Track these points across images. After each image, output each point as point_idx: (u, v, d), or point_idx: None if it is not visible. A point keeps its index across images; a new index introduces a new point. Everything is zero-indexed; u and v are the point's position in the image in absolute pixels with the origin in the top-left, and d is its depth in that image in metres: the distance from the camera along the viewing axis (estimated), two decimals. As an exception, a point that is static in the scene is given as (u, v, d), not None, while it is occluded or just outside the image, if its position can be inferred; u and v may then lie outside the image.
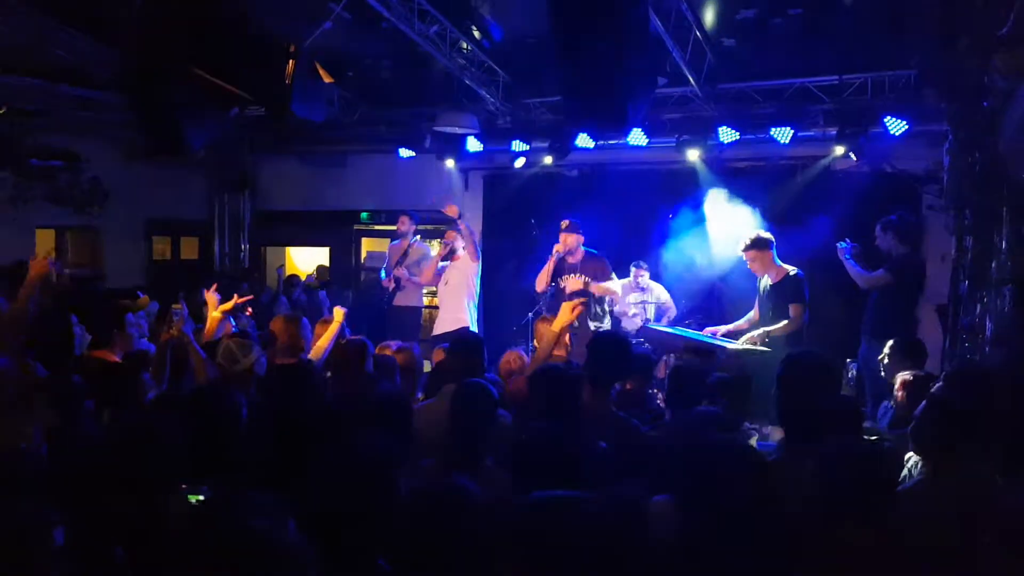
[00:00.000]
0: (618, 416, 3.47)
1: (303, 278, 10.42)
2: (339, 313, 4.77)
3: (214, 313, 4.83)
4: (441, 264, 7.38)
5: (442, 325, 7.18)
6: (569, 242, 6.67)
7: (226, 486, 2.52)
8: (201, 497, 2.48)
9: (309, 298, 9.72)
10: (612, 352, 3.59)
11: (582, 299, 5.84)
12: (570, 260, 6.77)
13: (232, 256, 11.08)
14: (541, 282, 6.79)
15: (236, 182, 10.74)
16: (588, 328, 6.69)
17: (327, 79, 5.65)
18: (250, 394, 3.65)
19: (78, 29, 7.08)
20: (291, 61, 4.92)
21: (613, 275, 6.90)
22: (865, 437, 3.21)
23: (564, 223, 6.75)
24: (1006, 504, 2.23)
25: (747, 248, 5.92)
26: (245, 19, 4.61)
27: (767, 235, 5.94)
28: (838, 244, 6.42)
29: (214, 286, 4.99)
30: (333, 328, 4.66)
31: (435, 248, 8.36)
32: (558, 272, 6.77)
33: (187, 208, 10.95)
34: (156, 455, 2.42)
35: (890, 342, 4.56)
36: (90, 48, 7.32)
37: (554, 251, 6.67)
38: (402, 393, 3.33)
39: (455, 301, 7.20)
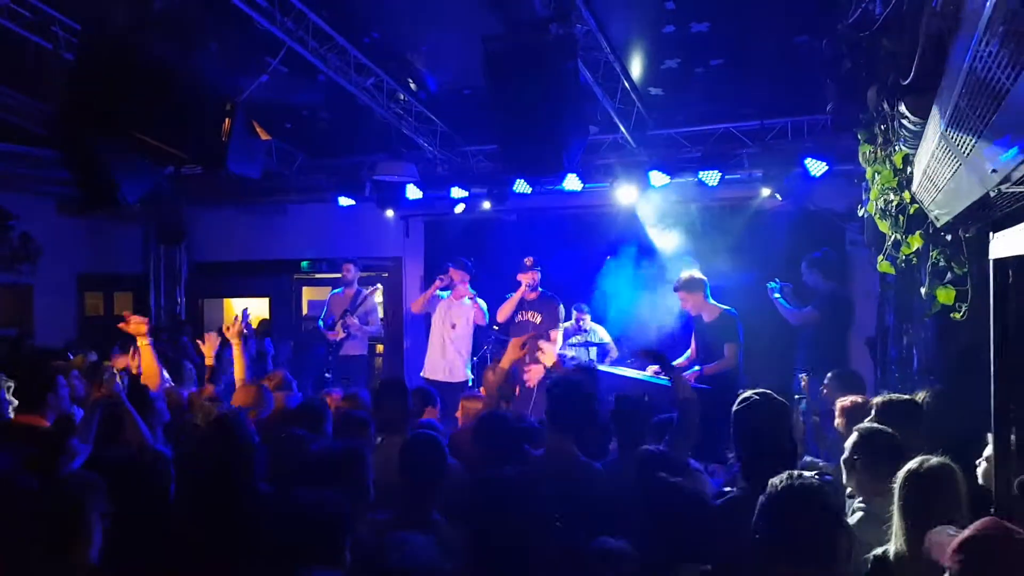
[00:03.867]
0: (581, 460, 3.45)
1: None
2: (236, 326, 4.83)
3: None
4: (439, 294, 7.22)
5: (439, 372, 7.05)
6: (536, 278, 6.85)
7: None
8: None
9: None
10: (570, 394, 3.59)
11: (531, 334, 5.90)
12: (528, 297, 6.91)
13: (168, 309, 10.83)
14: (503, 312, 6.92)
15: (172, 234, 10.52)
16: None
17: (264, 136, 5.63)
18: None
19: (9, 85, 6.95)
20: (227, 119, 4.90)
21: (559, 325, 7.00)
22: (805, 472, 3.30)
23: (528, 260, 6.94)
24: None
25: (678, 288, 6.07)
26: (180, 75, 4.58)
27: (699, 275, 6.08)
28: (768, 284, 6.65)
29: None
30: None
31: (378, 296, 8.32)
32: (516, 308, 6.91)
33: (121, 262, 10.73)
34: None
35: (828, 374, 4.73)
36: (19, 103, 7.18)
37: (523, 284, 6.83)
38: (355, 448, 3.26)
39: (460, 350, 7.09)
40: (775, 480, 2.24)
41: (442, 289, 7.15)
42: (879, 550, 2.52)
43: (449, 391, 6.74)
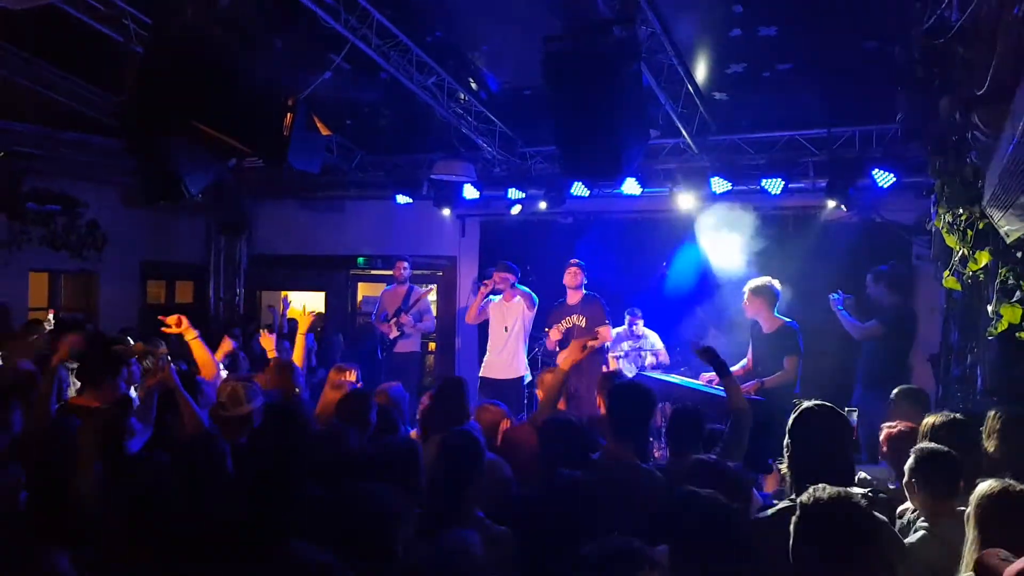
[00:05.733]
0: (640, 467, 3.42)
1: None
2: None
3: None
4: (490, 298, 7.19)
5: (497, 370, 7.05)
6: (578, 277, 6.81)
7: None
8: None
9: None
10: (634, 400, 3.55)
11: (592, 339, 5.87)
12: (570, 302, 6.86)
13: (227, 300, 11.07)
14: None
15: (233, 226, 10.80)
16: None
17: (325, 131, 5.74)
18: (239, 443, 3.62)
19: (79, 75, 7.22)
20: (289, 114, 5.00)
21: (607, 322, 6.93)
22: (858, 488, 3.19)
23: (572, 261, 6.92)
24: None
25: (754, 291, 5.92)
26: (246, 71, 4.69)
27: (776, 286, 5.94)
28: (830, 296, 6.47)
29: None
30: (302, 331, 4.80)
31: (432, 295, 8.36)
32: (561, 314, 6.87)
33: (183, 252, 11.01)
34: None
35: (895, 390, 4.57)
36: (91, 94, 7.46)
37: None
38: (410, 443, 3.27)
39: (514, 348, 7.07)
40: (807, 493, 2.19)
41: (492, 293, 7.15)
42: None
43: (508, 388, 6.81)
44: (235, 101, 4.67)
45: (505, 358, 7.03)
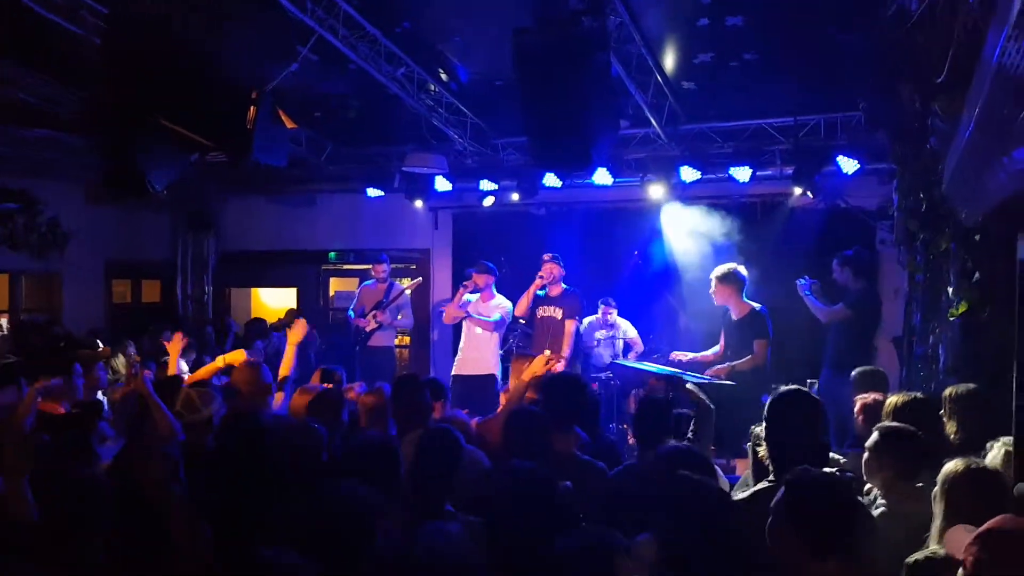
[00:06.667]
0: (581, 459, 3.49)
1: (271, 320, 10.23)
2: (301, 326, 4.76)
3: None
4: (467, 297, 7.16)
5: (469, 367, 7.03)
6: (555, 272, 6.87)
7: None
8: None
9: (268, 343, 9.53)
10: (568, 393, 3.64)
11: (560, 356, 5.96)
12: (551, 293, 6.94)
13: (195, 298, 10.88)
14: (521, 306, 6.96)
15: (200, 222, 10.62)
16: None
17: (290, 124, 5.67)
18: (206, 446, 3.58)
19: (39, 70, 7.04)
20: (252, 107, 4.93)
21: (577, 317, 7.00)
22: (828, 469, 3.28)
23: (547, 255, 6.97)
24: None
25: (720, 278, 6.03)
26: (207, 62, 4.60)
27: (743, 273, 6.06)
28: (797, 281, 6.60)
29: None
30: (293, 342, 4.69)
31: (410, 291, 8.35)
32: (538, 303, 6.95)
33: (149, 249, 10.79)
34: None
35: (854, 372, 4.69)
36: (52, 89, 7.28)
37: (537, 278, 6.89)
38: (388, 439, 3.27)
39: (487, 345, 7.07)
40: (794, 473, 2.24)
41: (471, 292, 7.17)
42: (919, 554, 2.48)
43: (480, 385, 6.84)
44: (197, 94, 4.59)
45: (477, 355, 7.02)
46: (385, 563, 2.20)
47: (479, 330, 7.07)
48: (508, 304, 7.05)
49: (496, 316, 7.00)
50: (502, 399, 4.80)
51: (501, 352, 7.31)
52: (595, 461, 3.54)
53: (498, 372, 7.08)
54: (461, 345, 7.21)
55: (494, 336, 7.08)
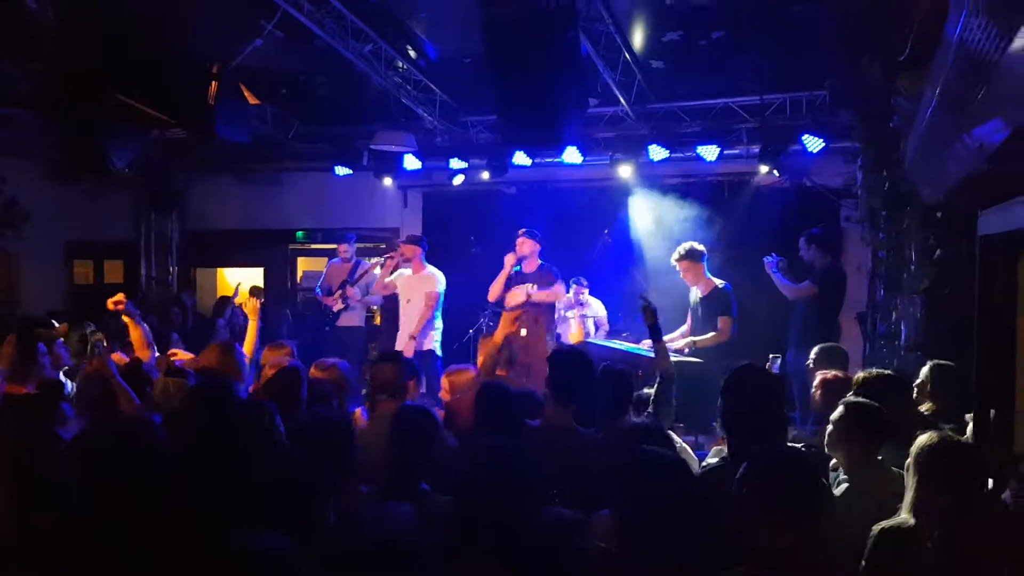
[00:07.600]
0: (579, 432, 3.45)
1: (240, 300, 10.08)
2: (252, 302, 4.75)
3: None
4: (401, 271, 7.00)
5: (403, 344, 6.82)
6: (524, 249, 6.65)
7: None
8: None
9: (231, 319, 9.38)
10: (573, 367, 3.58)
11: (523, 311, 5.89)
12: (525, 269, 6.75)
13: (160, 279, 10.69)
14: (494, 292, 6.74)
15: (164, 201, 10.41)
16: (546, 344, 6.66)
17: (252, 100, 5.56)
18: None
19: (-8, 46, 6.82)
20: (213, 83, 4.82)
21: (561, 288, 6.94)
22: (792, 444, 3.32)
23: (521, 231, 6.76)
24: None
25: (680, 258, 6.08)
26: (168, 37, 4.49)
27: (700, 247, 6.11)
28: (765, 258, 6.67)
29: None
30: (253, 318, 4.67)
31: (378, 269, 8.27)
32: (512, 282, 6.70)
33: (111, 229, 10.54)
34: None
35: (815, 349, 4.76)
36: (7, 64, 7.06)
37: (507, 260, 6.65)
38: (341, 417, 3.23)
39: (415, 322, 6.81)
40: (759, 447, 2.26)
41: (403, 264, 7.01)
42: (888, 523, 2.53)
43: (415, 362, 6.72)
44: (157, 70, 4.48)
45: (408, 334, 6.82)
46: (332, 542, 2.19)
47: (405, 308, 6.92)
48: (439, 279, 6.88)
49: (424, 289, 6.87)
50: (444, 381, 4.72)
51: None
52: (595, 434, 3.49)
53: (435, 347, 6.90)
54: (400, 322, 7.04)
55: (417, 313, 6.83)
